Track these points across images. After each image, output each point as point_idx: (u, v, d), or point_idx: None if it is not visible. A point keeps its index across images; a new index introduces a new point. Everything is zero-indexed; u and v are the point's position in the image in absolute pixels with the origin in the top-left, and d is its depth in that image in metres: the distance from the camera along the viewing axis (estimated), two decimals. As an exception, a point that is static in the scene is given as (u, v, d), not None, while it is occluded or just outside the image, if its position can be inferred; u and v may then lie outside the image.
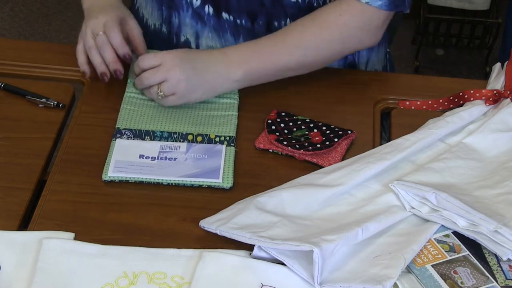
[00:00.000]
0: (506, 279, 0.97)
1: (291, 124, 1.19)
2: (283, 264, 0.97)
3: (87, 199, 1.09)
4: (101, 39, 1.22)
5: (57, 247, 0.99)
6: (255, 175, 1.14)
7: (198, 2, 1.29)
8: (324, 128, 1.18)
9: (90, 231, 1.04)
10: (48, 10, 3.00)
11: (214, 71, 1.19)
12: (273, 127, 1.19)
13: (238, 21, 1.29)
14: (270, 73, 1.23)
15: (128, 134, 1.17)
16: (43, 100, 1.23)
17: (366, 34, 1.24)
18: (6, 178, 1.11)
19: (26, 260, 0.99)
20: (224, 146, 1.16)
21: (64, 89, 1.28)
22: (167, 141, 1.16)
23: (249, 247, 1.00)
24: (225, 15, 1.29)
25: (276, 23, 1.29)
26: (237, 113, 1.22)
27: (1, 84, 1.26)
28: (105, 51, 1.23)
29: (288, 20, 1.28)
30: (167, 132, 1.17)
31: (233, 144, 1.17)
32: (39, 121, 1.21)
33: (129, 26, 1.27)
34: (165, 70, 1.17)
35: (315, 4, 1.26)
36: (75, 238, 1.02)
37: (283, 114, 1.21)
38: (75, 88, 1.29)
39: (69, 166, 1.14)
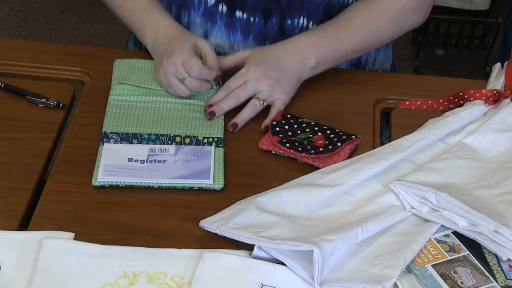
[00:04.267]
0: (506, 279, 0.97)
1: (295, 126, 1.19)
2: (283, 264, 0.97)
3: (87, 199, 1.09)
4: (190, 83, 1.20)
5: (57, 247, 0.99)
6: (255, 175, 1.14)
7: (213, 1, 1.30)
8: (328, 131, 1.17)
9: (90, 231, 1.04)
10: (48, 10, 3.00)
11: (291, 63, 1.23)
12: (277, 129, 1.18)
13: (252, 18, 1.30)
14: (338, 56, 1.28)
15: (116, 138, 1.16)
16: (43, 100, 1.23)
17: (419, 15, 1.32)
18: (6, 178, 1.11)
19: (26, 260, 0.99)
20: (212, 147, 1.16)
21: (64, 89, 1.28)
22: (155, 143, 1.16)
23: (249, 247, 1.00)
24: (238, 14, 1.30)
25: (289, 22, 1.30)
26: (223, 116, 1.22)
27: (1, 84, 1.26)
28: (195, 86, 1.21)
29: (302, 18, 1.30)
30: (155, 134, 1.17)
31: (221, 145, 1.16)
32: (39, 121, 1.21)
33: (203, 50, 1.23)
34: (252, 83, 1.20)
35: None
36: (75, 238, 1.02)
37: (288, 116, 1.21)
38: (75, 88, 1.29)
39: (69, 166, 1.14)
